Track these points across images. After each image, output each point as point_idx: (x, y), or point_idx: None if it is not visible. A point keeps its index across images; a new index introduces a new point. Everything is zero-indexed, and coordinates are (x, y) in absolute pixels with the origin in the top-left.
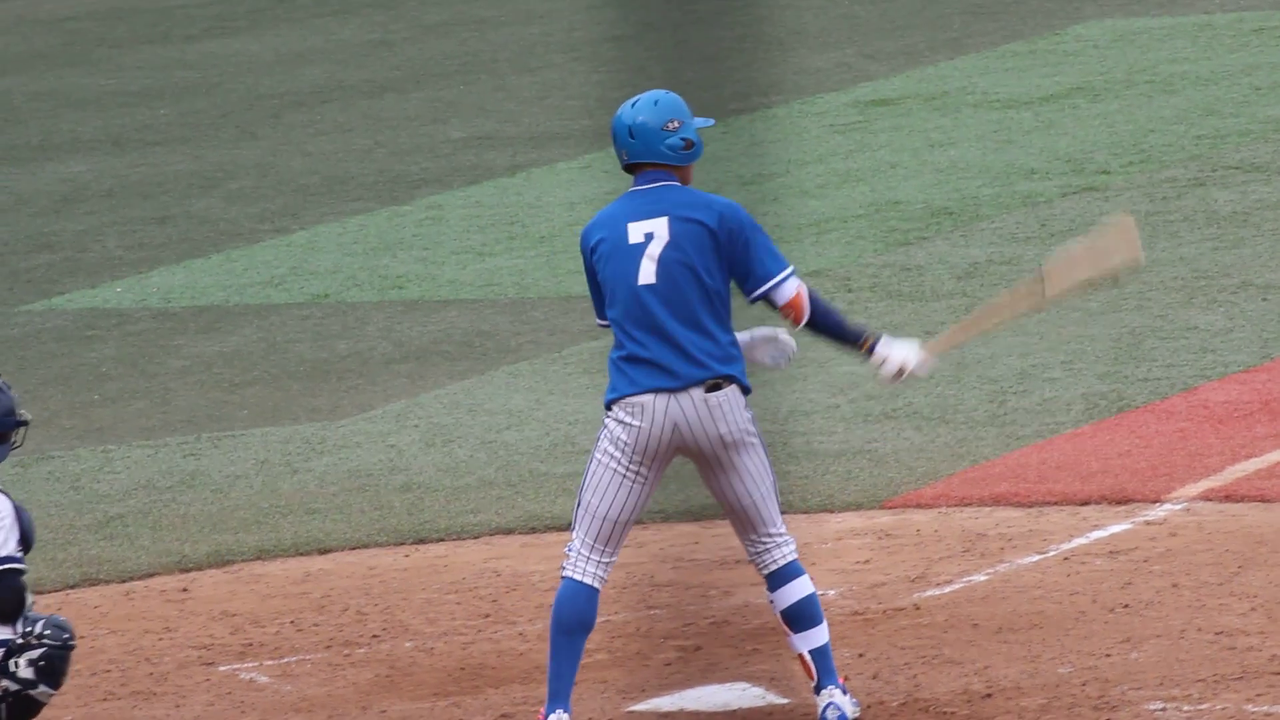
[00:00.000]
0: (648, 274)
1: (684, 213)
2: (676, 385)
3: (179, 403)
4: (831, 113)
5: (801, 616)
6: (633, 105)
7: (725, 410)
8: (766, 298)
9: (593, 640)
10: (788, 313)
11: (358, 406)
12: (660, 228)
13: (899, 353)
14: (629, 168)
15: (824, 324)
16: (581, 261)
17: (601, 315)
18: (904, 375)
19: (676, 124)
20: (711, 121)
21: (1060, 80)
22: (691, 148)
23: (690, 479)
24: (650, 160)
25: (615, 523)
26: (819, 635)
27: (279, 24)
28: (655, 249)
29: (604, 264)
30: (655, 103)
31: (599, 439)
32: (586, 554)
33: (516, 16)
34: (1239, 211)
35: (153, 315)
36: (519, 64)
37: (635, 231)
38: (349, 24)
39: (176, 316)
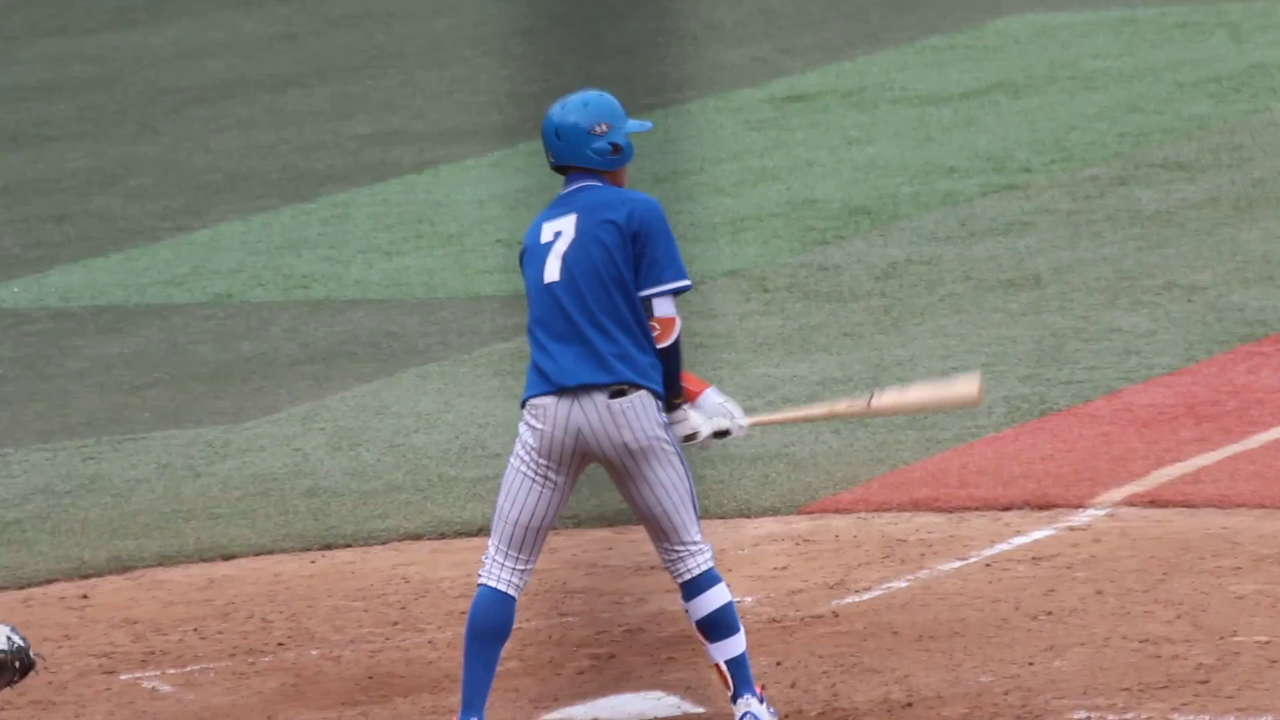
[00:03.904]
0: (553, 271)
1: (595, 210)
2: (572, 384)
3: (78, 405)
4: (747, 109)
5: (718, 626)
6: (562, 105)
7: (630, 417)
8: (647, 302)
9: (505, 648)
10: (655, 327)
11: (262, 409)
12: (568, 225)
13: (693, 420)
14: (557, 169)
15: (672, 360)
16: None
17: None
18: (696, 440)
19: (605, 127)
20: (648, 125)
21: (981, 76)
22: (619, 152)
23: (602, 483)
24: (576, 164)
25: (527, 528)
26: (735, 644)
27: (180, 16)
28: (561, 246)
29: (524, 266)
30: (585, 104)
31: (515, 442)
32: (501, 560)
33: (424, 9)
34: (1163, 211)
35: (51, 315)
36: (427, 58)
37: (547, 231)
38: (252, 17)
39: (75, 317)
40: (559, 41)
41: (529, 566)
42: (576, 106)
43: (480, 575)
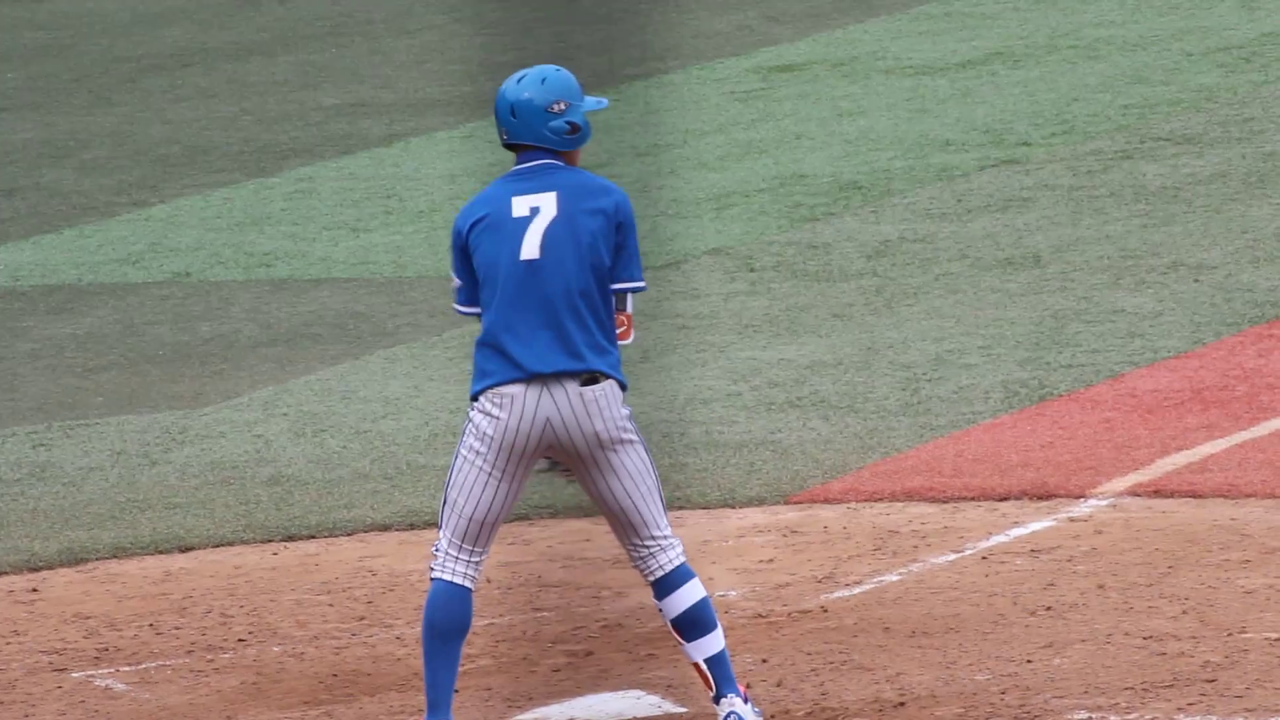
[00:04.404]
0: (531, 248)
1: (580, 194)
2: (547, 371)
3: (28, 389)
4: (732, 79)
5: (694, 624)
6: (518, 80)
7: (602, 406)
8: (620, 296)
9: (476, 645)
10: (621, 323)
11: (222, 393)
12: (548, 203)
13: None
14: (509, 147)
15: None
16: (450, 242)
17: (470, 302)
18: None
19: (563, 105)
20: (605, 103)
21: (978, 45)
22: (577, 132)
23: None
24: (530, 142)
25: (483, 523)
26: (714, 642)
27: None
28: (541, 223)
29: (482, 240)
30: (543, 80)
31: (464, 432)
32: (455, 554)
33: None
34: (1169, 186)
35: None
36: (396, 25)
37: (520, 205)
38: None
39: (25, 296)
40: (535, 7)
41: (484, 557)
42: (533, 83)
43: (433, 569)
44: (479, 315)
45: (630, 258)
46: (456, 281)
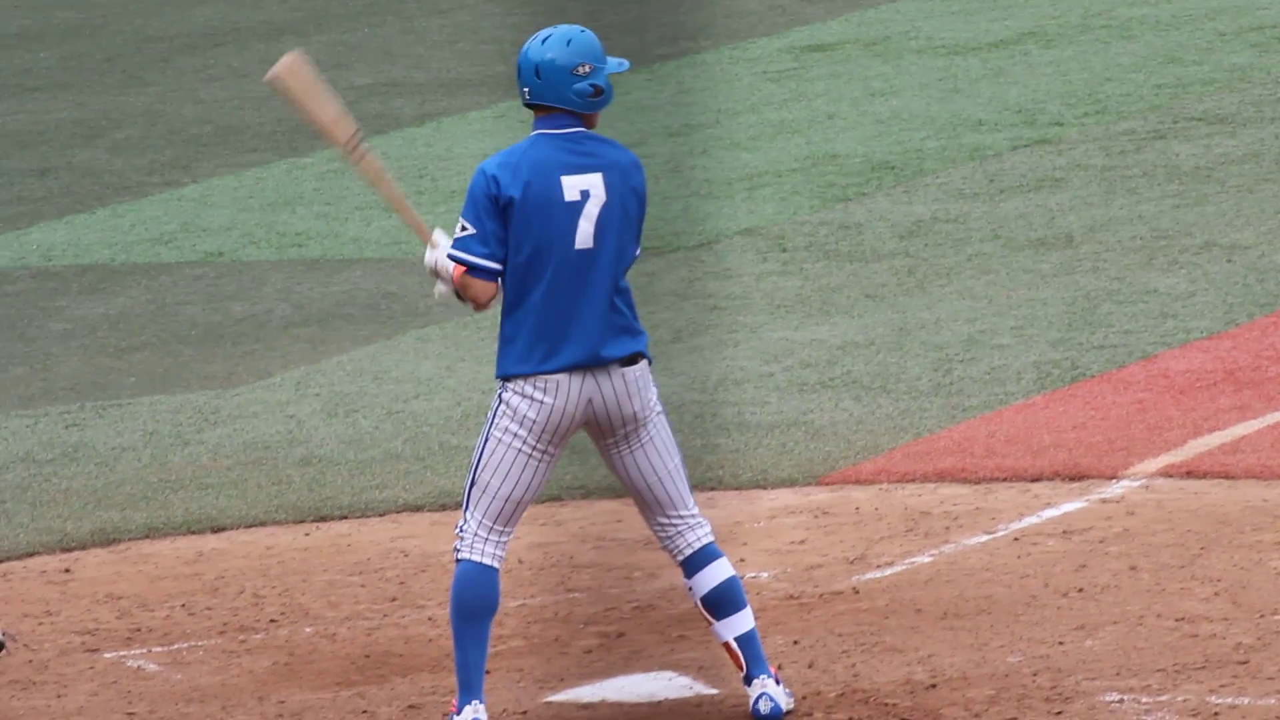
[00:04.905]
0: (585, 237)
1: (621, 172)
2: (598, 362)
3: (61, 369)
4: (765, 59)
5: (723, 602)
6: (543, 41)
7: (641, 385)
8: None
9: (508, 626)
10: None
11: (254, 373)
12: (596, 186)
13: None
14: (531, 106)
15: None
16: (472, 194)
17: (489, 256)
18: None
19: (588, 68)
20: (626, 64)
21: (1011, 25)
22: (600, 94)
23: None
24: (554, 104)
25: (518, 503)
26: (743, 621)
27: None
28: (593, 210)
29: (529, 216)
30: (568, 42)
31: (494, 413)
32: (485, 535)
33: None
34: (1202, 166)
35: (32, 275)
36: (428, 5)
37: (570, 188)
38: None
39: (58, 276)
40: None
41: (510, 536)
42: (558, 44)
43: (459, 550)
44: (473, 268)
45: (640, 231)
46: (471, 230)
